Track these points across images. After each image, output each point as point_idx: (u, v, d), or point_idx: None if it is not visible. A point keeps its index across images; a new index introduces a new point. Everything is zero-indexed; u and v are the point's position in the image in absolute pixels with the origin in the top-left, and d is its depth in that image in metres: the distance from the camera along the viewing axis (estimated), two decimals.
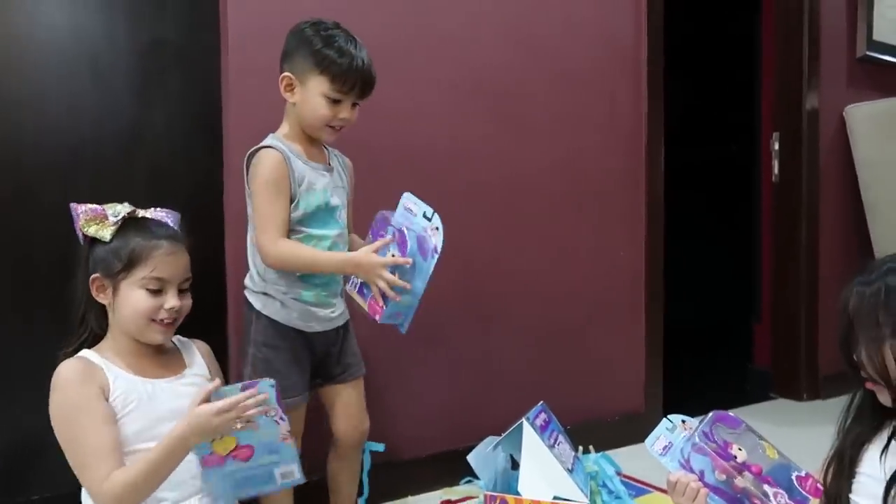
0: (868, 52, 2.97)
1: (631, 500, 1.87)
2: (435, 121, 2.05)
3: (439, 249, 1.30)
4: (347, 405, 1.56)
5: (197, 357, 1.39)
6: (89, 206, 1.28)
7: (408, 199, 1.38)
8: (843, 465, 1.09)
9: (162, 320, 1.26)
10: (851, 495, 1.07)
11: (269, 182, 1.39)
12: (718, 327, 3.34)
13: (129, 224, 1.27)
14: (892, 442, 1.00)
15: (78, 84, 1.65)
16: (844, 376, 3.07)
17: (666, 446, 1.18)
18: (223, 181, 1.79)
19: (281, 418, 1.19)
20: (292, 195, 1.40)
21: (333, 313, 1.50)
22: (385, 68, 1.95)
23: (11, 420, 1.57)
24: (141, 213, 1.31)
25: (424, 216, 1.32)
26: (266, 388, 1.17)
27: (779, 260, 3.00)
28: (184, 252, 1.29)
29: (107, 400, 1.22)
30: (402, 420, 2.00)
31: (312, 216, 1.44)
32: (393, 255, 1.34)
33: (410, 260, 1.33)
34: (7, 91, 1.58)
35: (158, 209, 1.33)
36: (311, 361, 1.49)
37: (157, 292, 1.25)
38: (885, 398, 1.02)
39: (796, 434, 2.52)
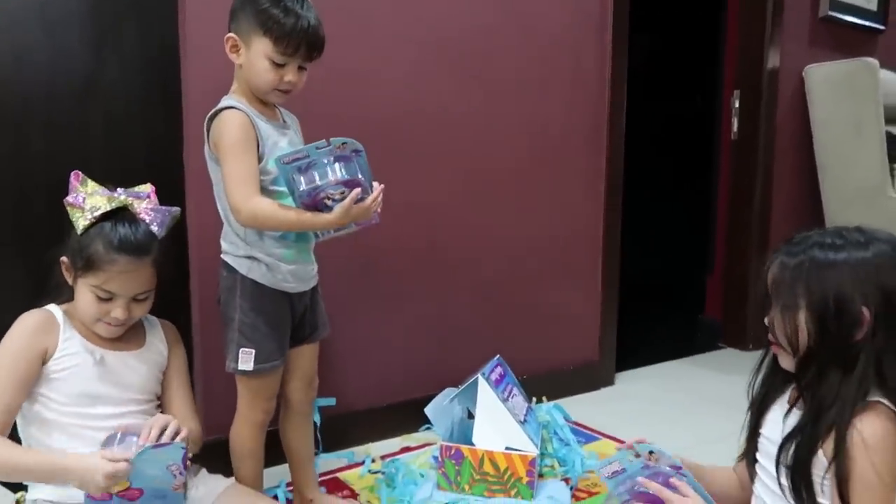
0: (830, 13, 3.00)
1: (579, 448, 1.97)
2: (398, 78, 2.03)
3: (360, 147, 1.31)
4: (304, 366, 1.58)
5: (158, 337, 1.40)
6: (78, 191, 1.24)
7: (285, 157, 1.32)
8: (750, 426, 1.17)
9: (109, 322, 1.27)
10: (757, 454, 1.15)
11: (238, 141, 1.35)
12: (672, 279, 3.45)
13: (105, 218, 1.24)
14: (793, 405, 1.07)
15: (27, 33, 1.60)
16: None
17: (616, 472, 1.16)
18: (182, 134, 1.76)
19: (181, 472, 1.18)
20: (260, 155, 1.38)
21: (313, 270, 1.52)
22: (348, 25, 1.93)
23: None
24: (133, 203, 1.26)
25: (318, 149, 1.29)
26: (178, 450, 1.18)
27: (733, 215, 3.09)
28: (144, 268, 1.26)
29: (46, 361, 1.25)
30: (363, 371, 2.06)
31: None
32: (343, 193, 1.33)
33: (380, 187, 1.37)
34: None
35: (153, 203, 1.28)
36: (291, 324, 1.50)
37: (106, 300, 1.25)
38: (785, 362, 1.08)
39: (741, 381, 2.65)
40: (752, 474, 1.16)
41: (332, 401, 1.80)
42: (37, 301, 1.32)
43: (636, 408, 2.40)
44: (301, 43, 1.35)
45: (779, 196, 3.03)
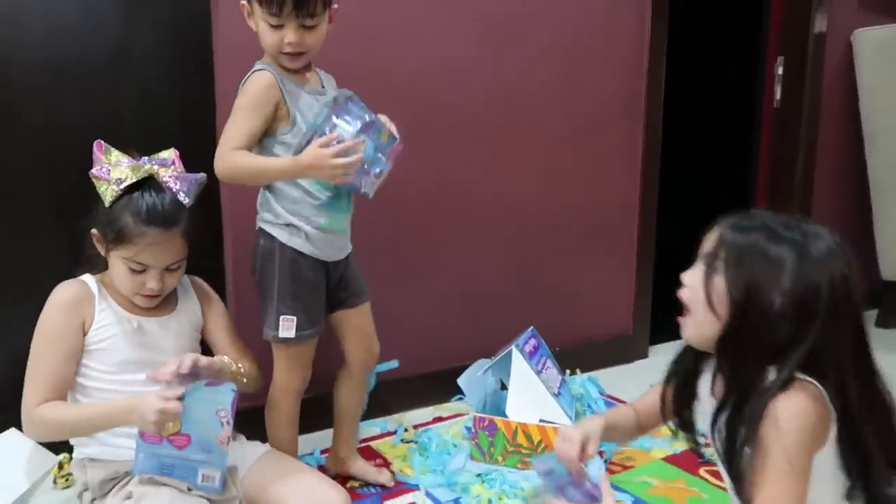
0: None
1: None
2: (427, 42, 1.99)
3: (349, 93, 1.32)
4: (357, 330, 1.58)
5: (190, 296, 1.41)
6: (102, 163, 1.23)
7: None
8: (681, 391, 1.12)
9: (146, 294, 1.28)
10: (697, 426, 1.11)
11: (249, 101, 1.36)
12: None
13: (132, 189, 1.23)
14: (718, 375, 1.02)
15: (60, 2, 1.59)
16: None
17: (548, 470, 1.12)
18: (214, 100, 1.75)
19: (228, 422, 1.18)
20: (291, 118, 1.38)
21: (346, 239, 1.51)
22: None
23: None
24: (158, 171, 1.24)
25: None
26: (228, 392, 1.18)
27: (774, 186, 3.00)
28: (174, 238, 1.25)
29: (85, 333, 1.26)
30: (396, 341, 2.05)
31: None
32: (364, 142, 1.32)
33: (360, 139, 1.32)
34: None
35: (178, 169, 1.26)
36: (327, 291, 1.50)
37: (139, 272, 1.25)
38: (689, 331, 1.04)
39: None
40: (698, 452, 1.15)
41: (394, 363, 1.80)
42: (72, 271, 1.32)
43: None
44: (284, 1, 1.31)
45: (823, 166, 2.93)
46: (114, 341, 1.28)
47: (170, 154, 1.29)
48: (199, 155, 1.71)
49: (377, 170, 1.37)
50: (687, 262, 1.07)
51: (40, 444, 1.37)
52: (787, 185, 2.94)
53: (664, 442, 1.85)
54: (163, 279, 1.27)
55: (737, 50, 3.31)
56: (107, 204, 1.23)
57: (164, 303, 1.35)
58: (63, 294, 1.28)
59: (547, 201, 2.28)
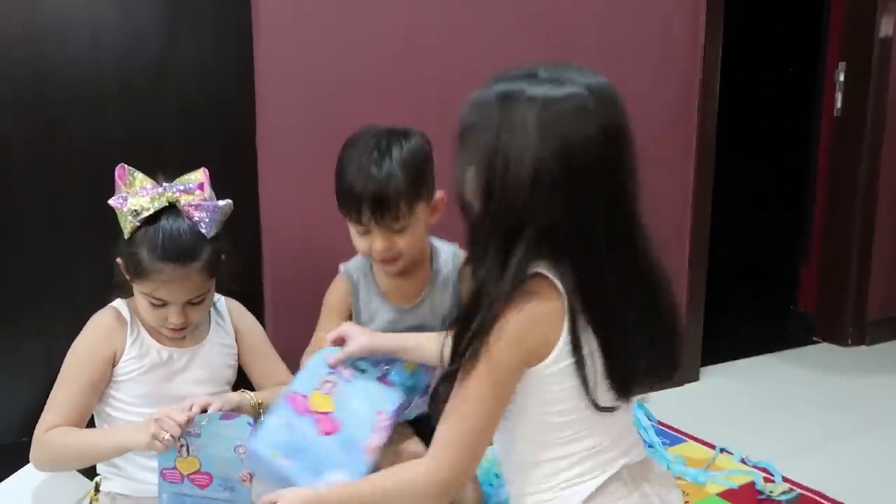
0: None
1: (664, 451, 1.85)
2: (477, 47, 1.91)
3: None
4: None
5: (225, 323, 1.36)
6: (121, 191, 1.18)
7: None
8: None
9: (170, 328, 1.23)
10: None
11: (322, 313, 1.35)
12: (763, 266, 3.22)
13: (150, 220, 1.16)
14: None
15: (101, 14, 1.57)
16: (892, 322, 2.91)
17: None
18: (255, 116, 1.72)
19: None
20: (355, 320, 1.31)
21: None
22: None
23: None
24: (179, 198, 1.17)
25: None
26: (244, 427, 1.12)
27: (834, 199, 2.85)
28: (193, 274, 1.17)
29: (115, 364, 1.23)
30: None
31: None
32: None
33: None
34: (28, 23, 1.51)
35: (204, 195, 1.18)
36: None
37: (160, 306, 1.20)
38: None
39: (837, 380, 2.47)
40: None
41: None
42: (106, 296, 1.29)
43: (723, 407, 2.25)
44: (359, 204, 1.19)
45: (886, 178, 2.77)
46: (141, 373, 1.24)
47: (197, 176, 1.20)
48: (239, 169, 1.68)
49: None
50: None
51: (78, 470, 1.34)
52: (848, 199, 2.79)
53: (720, 476, 1.75)
54: (185, 313, 1.21)
55: (794, 55, 3.16)
56: (126, 236, 1.18)
57: (195, 331, 1.30)
58: (97, 324, 1.26)
59: None
